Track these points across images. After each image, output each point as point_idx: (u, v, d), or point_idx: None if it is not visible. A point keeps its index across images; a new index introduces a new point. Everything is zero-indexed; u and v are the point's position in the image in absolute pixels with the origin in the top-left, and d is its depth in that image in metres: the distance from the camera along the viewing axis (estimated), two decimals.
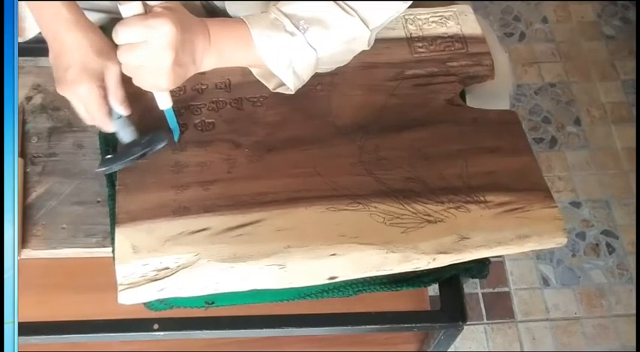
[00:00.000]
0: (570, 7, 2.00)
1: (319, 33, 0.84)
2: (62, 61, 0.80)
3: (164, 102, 0.85)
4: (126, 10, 0.74)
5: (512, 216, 0.86)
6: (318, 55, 0.85)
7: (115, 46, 0.76)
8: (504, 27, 1.96)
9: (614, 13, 1.99)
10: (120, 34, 0.74)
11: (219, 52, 0.81)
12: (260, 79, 0.90)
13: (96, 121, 0.84)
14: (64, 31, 0.79)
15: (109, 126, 0.85)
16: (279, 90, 0.90)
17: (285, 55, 0.83)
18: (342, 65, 0.93)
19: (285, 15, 0.83)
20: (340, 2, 0.85)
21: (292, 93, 0.88)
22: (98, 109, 0.82)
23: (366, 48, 0.91)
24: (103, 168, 0.87)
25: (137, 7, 0.75)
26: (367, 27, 0.86)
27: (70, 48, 0.80)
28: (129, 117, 0.86)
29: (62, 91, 0.81)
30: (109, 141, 0.93)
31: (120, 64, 0.78)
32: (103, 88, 0.82)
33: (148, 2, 0.75)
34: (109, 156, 0.88)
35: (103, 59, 0.80)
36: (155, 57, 0.75)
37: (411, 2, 0.91)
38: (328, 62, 0.89)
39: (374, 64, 0.99)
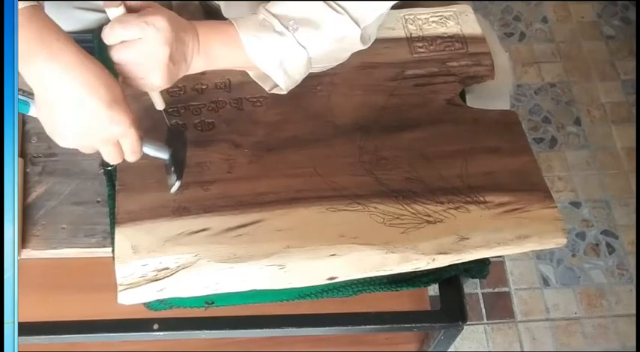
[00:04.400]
0: (570, 7, 2.00)
1: (309, 32, 0.84)
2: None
3: (160, 103, 0.85)
4: (112, 13, 0.75)
5: (511, 216, 0.86)
6: (309, 54, 0.85)
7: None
8: (504, 27, 1.96)
9: (614, 13, 1.99)
10: (117, 32, 0.74)
11: (207, 54, 0.81)
12: (256, 80, 0.90)
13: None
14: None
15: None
16: (275, 90, 0.90)
17: (275, 55, 0.84)
18: (339, 63, 0.93)
19: (274, 15, 0.83)
20: (330, 2, 0.85)
21: (284, 93, 0.88)
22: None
23: (362, 46, 0.91)
24: (175, 188, 0.85)
25: (122, 10, 0.75)
26: (358, 25, 0.86)
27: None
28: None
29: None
30: None
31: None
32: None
33: (130, 3, 0.76)
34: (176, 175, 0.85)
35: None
36: (151, 53, 0.75)
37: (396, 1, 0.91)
38: (321, 61, 0.89)
39: (374, 63, 0.99)
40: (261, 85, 0.90)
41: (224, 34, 0.83)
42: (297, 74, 0.87)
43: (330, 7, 0.85)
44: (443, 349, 1.02)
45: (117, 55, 0.75)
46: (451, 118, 0.95)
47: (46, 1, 1.01)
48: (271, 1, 0.85)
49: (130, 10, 0.76)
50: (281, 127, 0.93)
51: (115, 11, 0.75)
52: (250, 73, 0.90)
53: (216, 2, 1.00)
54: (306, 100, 0.95)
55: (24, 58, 0.68)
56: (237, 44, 0.83)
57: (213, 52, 0.82)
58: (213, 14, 1.05)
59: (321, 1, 0.85)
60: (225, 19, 1.02)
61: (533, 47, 1.93)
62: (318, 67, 0.90)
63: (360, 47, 0.91)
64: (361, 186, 0.87)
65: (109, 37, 0.74)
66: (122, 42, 0.74)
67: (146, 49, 0.74)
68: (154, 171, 0.88)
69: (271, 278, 0.82)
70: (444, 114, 0.95)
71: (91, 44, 0.97)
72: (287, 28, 0.83)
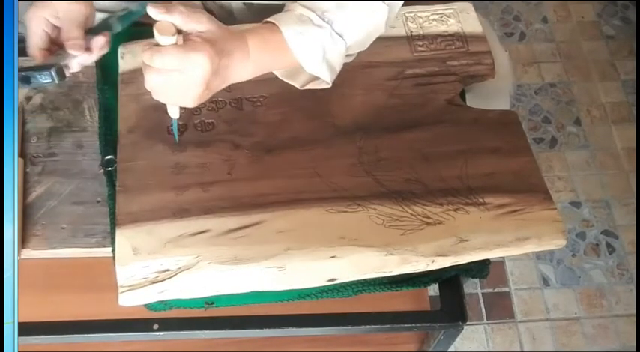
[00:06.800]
0: (570, 7, 2.00)
1: (344, 22, 0.83)
2: None
3: (175, 112, 0.85)
4: (164, 40, 0.73)
5: (511, 218, 0.85)
6: (347, 44, 0.84)
7: None
8: (504, 27, 1.96)
9: (614, 13, 1.99)
10: (155, 60, 0.73)
11: (255, 65, 0.80)
12: (285, 79, 0.87)
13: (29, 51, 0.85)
14: None
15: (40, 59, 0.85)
16: (309, 86, 0.87)
17: (319, 50, 0.82)
18: (362, 50, 0.91)
19: (310, 9, 0.82)
20: None
21: (329, 86, 0.86)
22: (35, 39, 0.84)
23: (383, 31, 0.89)
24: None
25: (174, 40, 0.73)
26: (385, 9, 0.86)
27: None
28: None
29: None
30: (109, 141, 0.93)
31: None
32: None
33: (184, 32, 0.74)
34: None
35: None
36: (185, 86, 0.74)
37: None
38: (353, 48, 0.87)
39: (374, 63, 0.98)
40: (291, 82, 0.87)
41: (271, 40, 0.81)
42: (338, 65, 0.85)
43: None
44: (443, 349, 1.02)
45: (150, 78, 0.74)
46: (451, 118, 0.95)
47: (47, 1, 1.02)
48: None
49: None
50: (281, 127, 0.93)
51: (167, 40, 0.73)
52: (277, 73, 0.88)
53: (228, 3, 0.99)
54: (306, 100, 0.94)
55: None
56: (282, 47, 0.81)
57: (261, 61, 0.81)
58: (215, 14, 1.05)
59: None
60: (236, 21, 1.02)
61: (533, 47, 1.93)
62: (347, 59, 0.88)
63: (382, 32, 0.89)
64: (361, 187, 0.87)
65: (148, 59, 0.73)
66: (159, 68, 0.73)
67: (180, 82, 0.74)
68: (154, 173, 0.88)
69: (271, 280, 0.82)
70: (444, 114, 0.95)
71: None
72: (324, 20, 0.82)
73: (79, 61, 0.85)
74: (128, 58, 0.97)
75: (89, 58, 0.86)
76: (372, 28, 0.87)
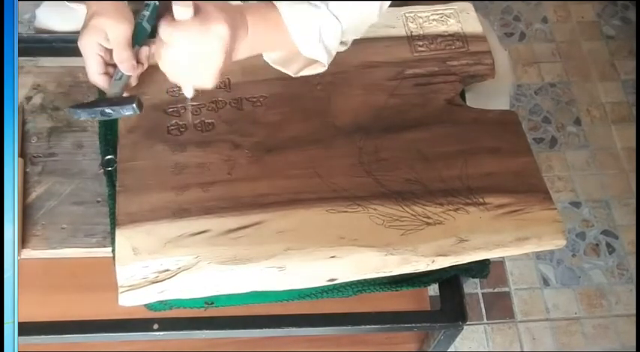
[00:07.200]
0: (570, 7, 2.00)
1: (339, 4, 0.83)
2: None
3: (190, 91, 0.83)
4: (179, 13, 0.73)
5: (511, 218, 0.85)
6: (342, 26, 0.84)
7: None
8: (504, 27, 1.96)
9: (614, 13, 1.99)
10: (175, 36, 0.73)
11: (253, 42, 0.80)
12: (278, 67, 0.87)
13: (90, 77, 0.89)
14: None
15: (104, 85, 0.89)
16: (304, 72, 0.87)
17: (315, 30, 0.82)
18: (356, 37, 0.91)
19: None
20: None
21: (325, 69, 0.86)
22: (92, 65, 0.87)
23: (377, 18, 0.90)
24: (73, 110, 0.88)
25: (192, 12, 0.73)
26: None
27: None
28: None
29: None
30: (109, 141, 0.93)
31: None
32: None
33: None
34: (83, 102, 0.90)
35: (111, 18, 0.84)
36: (208, 59, 0.74)
37: None
38: (347, 33, 0.87)
39: (374, 63, 0.99)
40: (284, 70, 0.87)
41: (267, 18, 0.81)
42: (333, 48, 0.85)
43: None
44: (443, 349, 1.02)
45: (172, 55, 0.74)
46: (451, 118, 0.95)
47: (46, 1, 1.02)
48: None
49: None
50: (281, 127, 0.93)
51: (183, 12, 0.73)
52: (269, 60, 0.88)
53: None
54: (306, 100, 0.94)
55: None
56: (279, 25, 0.81)
57: (258, 39, 0.81)
58: None
59: None
60: None
61: (533, 47, 1.93)
62: (342, 45, 0.88)
63: (375, 20, 0.90)
64: (361, 187, 0.87)
65: (168, 37, 0.73)
66: (178, 46, 0.73)
67: (203, 55, 0.74)
68: (154, 173, 0.88)
69: (271, 280, 0.82)
70: (444, 114, 0.95)
71: None
72: None
73: (135, 75, 0.90)
74: None
75: (141, 69, 0.91)
76: (366, 14, 0.88)
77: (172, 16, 0.74)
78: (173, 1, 0.73)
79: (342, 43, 0.87)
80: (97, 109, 0.87)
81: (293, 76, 0.88)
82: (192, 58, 0.74)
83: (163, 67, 0.77)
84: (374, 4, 0.87)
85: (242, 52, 0.80)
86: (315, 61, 0.85)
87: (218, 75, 0.77)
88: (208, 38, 0.73)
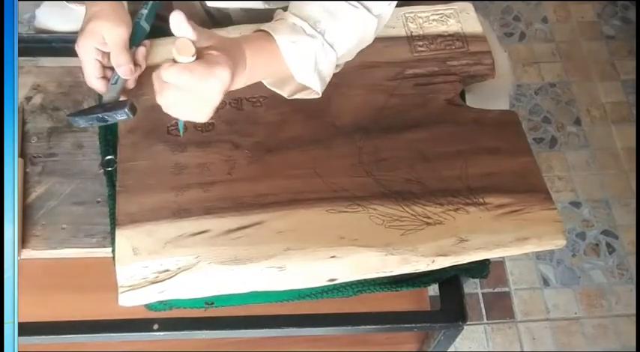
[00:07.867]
0: (570, 7, 2.00)
1: (335, 32, 0.83)
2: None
3: (181, 128, 0.85)
4: (183, 60, 0.71)
5: (511, 218, 0.85)
6: (337, 53, 0.84)
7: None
8: (504, 27, 1.96)
9: (614, 13, 1.99)
10: (182, 77, 0.71)
11: (251, 74, 0.80)
12: (272, 88, 0.87)
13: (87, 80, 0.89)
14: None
15: (101, 88, 0.89)
16: (297, 95, 0.87)
17: (311, 60, 0.82)
18: (349, 59, 0.90)
19: (302, 18, 0.81)
20: None
21: (318, 96, 0.85)
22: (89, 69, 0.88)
23: (371, 41, 0.90)
24: (72, 118, 0.89)
25: (193, 59, 0.72)
26: (372, 14, 0.85)
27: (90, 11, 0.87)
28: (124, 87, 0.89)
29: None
30: (109, 141, 0.93)
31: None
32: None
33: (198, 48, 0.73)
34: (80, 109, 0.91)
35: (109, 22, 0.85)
36: (205, 101, 0.74)
37: None
38: (343, 58, 0.87)
39: (374, 63, 0.98)
40: (278, 91, 0.87)
41: (266, 50, 0.80)
42: (328, 76, 0.85)
43: (348, 3, 0.84)
44: (443, 349, 1.02)
45: (172, 96, 0.73)
46: (451, 118, 0.95)
47: (46, 1, 1.02)
48: (291, 2, 0.84)
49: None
50: (281, 128, 0.93)
51: (187, 60, 0.71)
52: (265, 82, 0.87)
53: (221, 2, 1.00)
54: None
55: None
56: (275, 56, 0.81)
57: (256, 70, 0.80)
58: (213, 16, 1.05)
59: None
60: (233, 23, 1.02)
61: (533, 47, 1.93)
62: (336, 68, 0.88)
63: (370, 41, 0.90)
64: (361, 187, 0.87)
65: (171, 79, 0.72)
66: (177, 85, 0.72)
67: (200, 97, 0.73)
68: (154, 173, 0.88)
69: (271, 280, 0.82)
70: (444, 114, 0.95)
71: None
72: (316, 30, 0.82)
73: (133, 78, 0.91)
74: None
75: (139, 71, 0.91)
76: (361, 39, 0.88)
77: (173, 59, 0.72)
78: (175, 51, 0.71)
79: (337, 65, 0.87)
80: (93, 116, 0.87)
81: (287, 97, 0.87)
82: (192, 98, 0.73)
83: (160, 101, 0.75)
84: (369, 30, 0.87)
85: (239, 84, 0.79)
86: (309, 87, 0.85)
87: (213, 112, 0.76)
88: (211, 82, 0.72)
